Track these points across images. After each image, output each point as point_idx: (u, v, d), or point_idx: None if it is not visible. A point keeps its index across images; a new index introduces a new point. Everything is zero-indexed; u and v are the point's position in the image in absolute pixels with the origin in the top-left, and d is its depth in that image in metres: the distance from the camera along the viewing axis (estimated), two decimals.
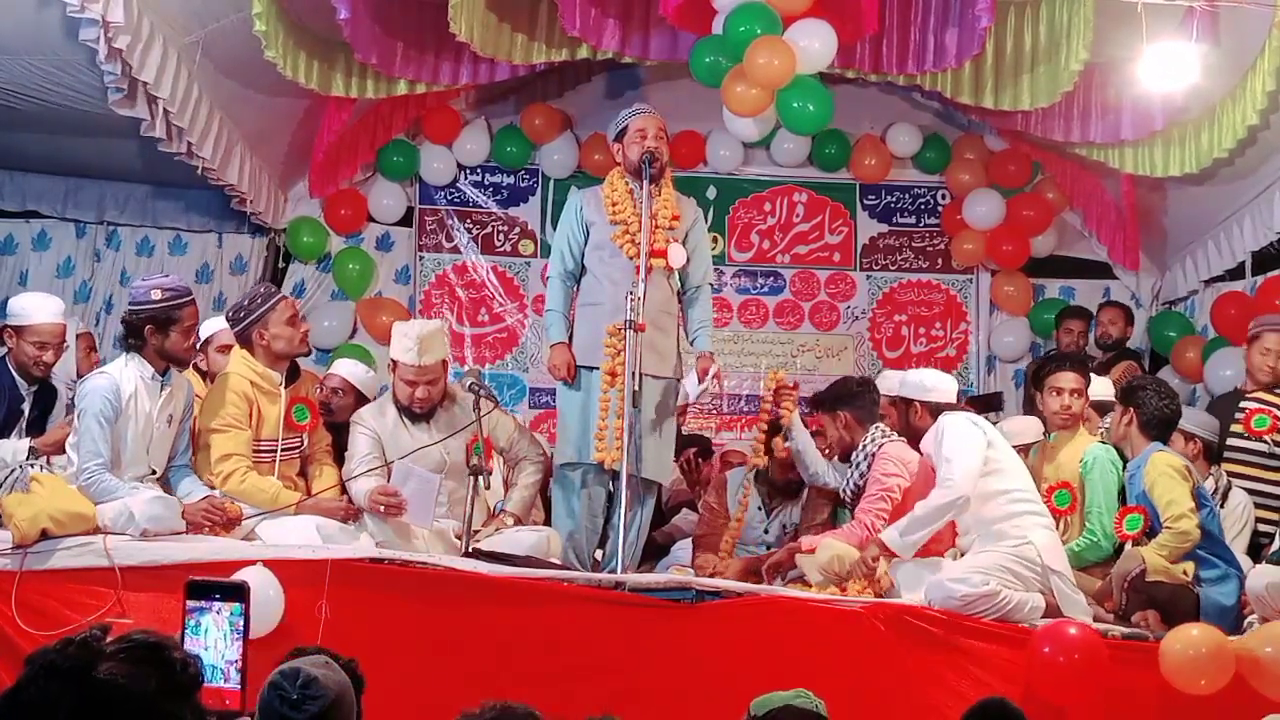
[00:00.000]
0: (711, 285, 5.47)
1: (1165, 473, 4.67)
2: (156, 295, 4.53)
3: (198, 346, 5.04)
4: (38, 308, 5.05)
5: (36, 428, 5.00)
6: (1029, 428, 5.44)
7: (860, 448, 4.94)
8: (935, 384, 5.06)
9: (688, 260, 5.24)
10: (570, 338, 5.28)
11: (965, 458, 4.62)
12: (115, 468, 4.44)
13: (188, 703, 1.63)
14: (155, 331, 4.51)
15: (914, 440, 4.95)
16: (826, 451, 5.35)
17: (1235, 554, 4.86)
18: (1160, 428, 4.89)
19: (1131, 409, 4.89)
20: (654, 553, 5.77)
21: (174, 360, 4.62)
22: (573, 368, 5.17)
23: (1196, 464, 5.19)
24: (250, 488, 4.62)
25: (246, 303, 4.87)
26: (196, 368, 5.29)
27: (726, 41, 5.33)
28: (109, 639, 1.66)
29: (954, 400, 5.08)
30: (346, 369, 5.87)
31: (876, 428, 4.99)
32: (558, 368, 5.20)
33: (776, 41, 5.21)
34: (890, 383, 5.46)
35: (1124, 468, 5.00)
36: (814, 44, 5.29)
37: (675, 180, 5.54)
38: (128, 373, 4.51)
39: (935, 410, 4.91)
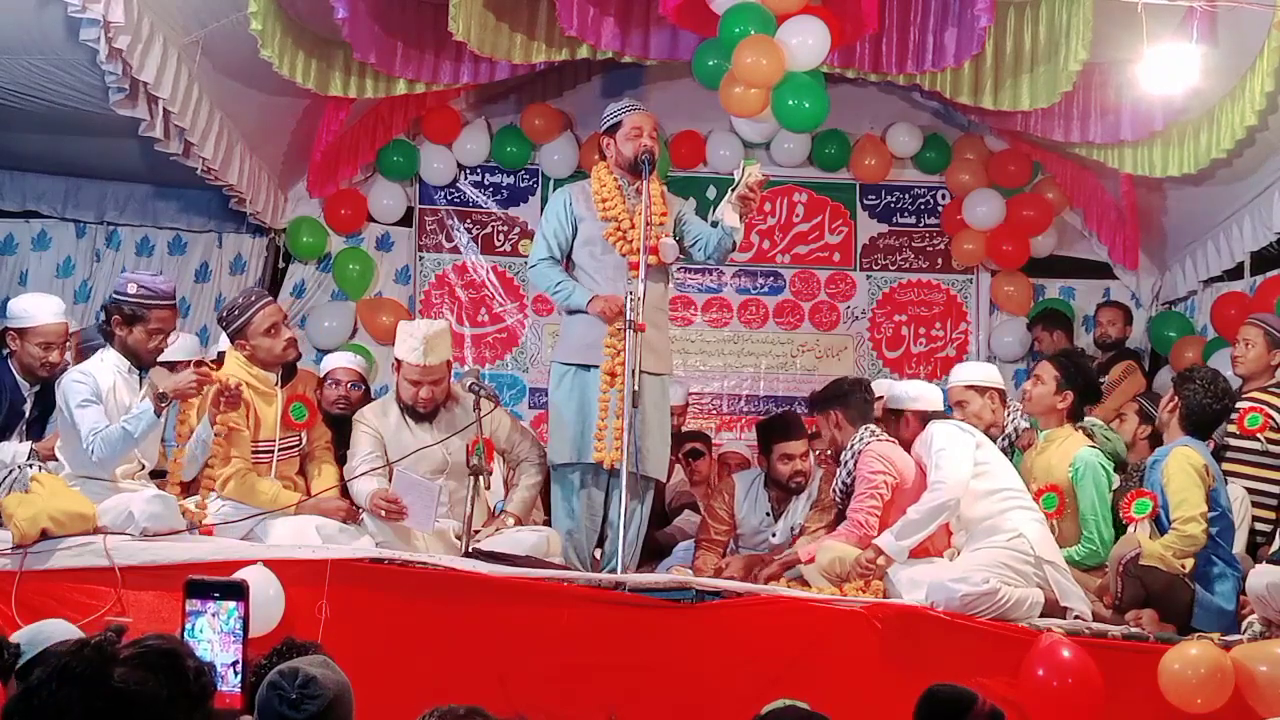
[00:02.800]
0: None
1: (1184, 469, 4.66)
2: (132, 289, 4.52)
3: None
4: (40, 308, 5.06)
5: (37, 428, 5.00)
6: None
7: (848, 447, 4.99)
8: (920, 393, 5.14)
9: (682, 243, 5.22)
10: (566, 333, 5.27)
11: (955, 461, 4.68)
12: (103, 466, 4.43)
13: (199, 711, 1.63)
14: (121, 323, 4.52)
15: (904, 449, 5.00)
16: (821, 455, 5.40)
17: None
18: (1199, 424, 4.88)
19: (1179, 398, 4.89)
20: (655, 553, 5.77)
21: (135, 357, 4.58)
22: (621, 302, 4.96)
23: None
24: (250, 489, 4.62)
25: (226, 312, 4.88)
26: None
27: (722, 44, 5.33)
28: (124, 642, 1.65)
29: (940, 407, 5.12)
30: (348, 360, 5.87)
31: (866, 428, 5.01)
32: (611, 305, 4.98)
33: (763, 40, 5.20)
34: (880, 389, 5.48)
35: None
36: (806, 40, 5.26)
37: (676, 180, 5.53)
38: (104, 367, 4.51)
39: (924, 419, 4.99)
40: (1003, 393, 5.34)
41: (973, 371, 5.46)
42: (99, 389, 4.44)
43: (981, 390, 5.25)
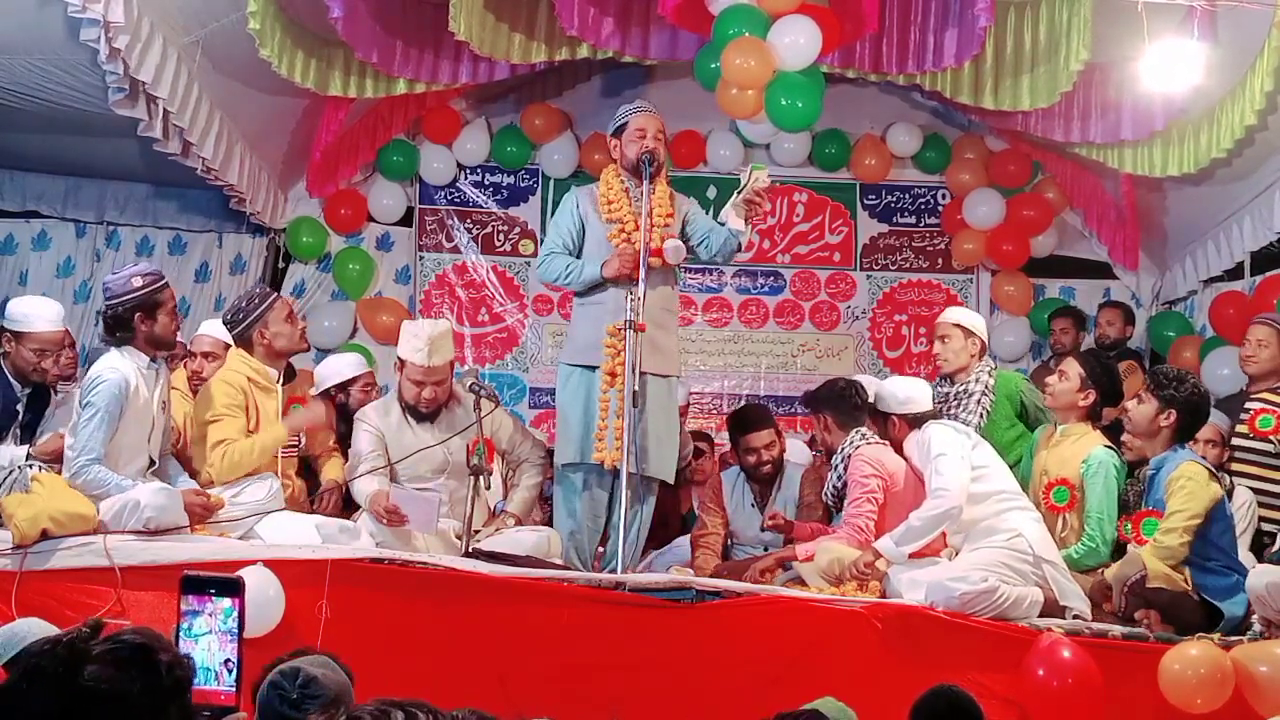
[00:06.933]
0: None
1: (1185, 486, 4.55)
2: (138, 282, 4.52)
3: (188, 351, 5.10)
4: (38, 315, 5.01)
5: (29, 431, 4.99)
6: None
7: (839, 450, 5.00)
8: (910, 395, 5.06)
9: (688, 243, 5.21)
10: (572, 332, 5.27)
11: (955, 466, 4.65)
12: (114, 462, 4.42)
13: (174, 704, 1.62)
14: (144, 319, 4.51)
15: (894, 450, 4.99)
16: (819, 458, 5.42)
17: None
18: (1192, 425, 4.79)
19: (1173, 408, 4.69)
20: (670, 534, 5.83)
21: (162, 344, 4.60)
22: (632, 251, 4.99)
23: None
24: (238, 457, 4.64)
25: (244, 304, 4.87)
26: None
27: (716, 46, 5.33)
28: (99, 638, 1.64)
29: (930, 407, 5.07)
30: (354, 362, 5.91)
31: (857, 431, 5.00)
32: (625, 260, 4.98)
33: (752, 42, 5.19)
34: (869, 388, 5.47)
35: (1126, 465, 4.99)
36: (797, 40, 5.23)
37: (675, 180, 5.52)
38: (128, 366, 4.50)
39: (914, 421, 4.95)
40: (984, 347, 5.50)
41: (967, 315, 5.64)
42: (126, 394, 4.41)
43: (967, 333, 5.42)
